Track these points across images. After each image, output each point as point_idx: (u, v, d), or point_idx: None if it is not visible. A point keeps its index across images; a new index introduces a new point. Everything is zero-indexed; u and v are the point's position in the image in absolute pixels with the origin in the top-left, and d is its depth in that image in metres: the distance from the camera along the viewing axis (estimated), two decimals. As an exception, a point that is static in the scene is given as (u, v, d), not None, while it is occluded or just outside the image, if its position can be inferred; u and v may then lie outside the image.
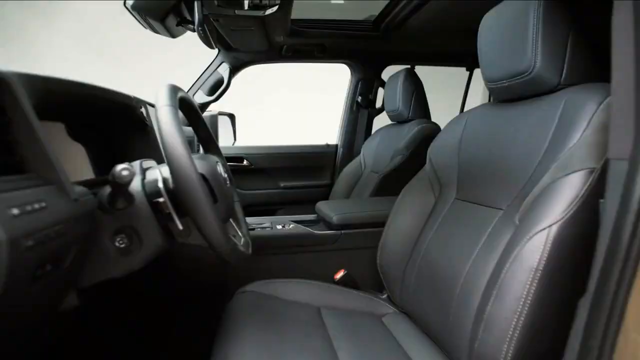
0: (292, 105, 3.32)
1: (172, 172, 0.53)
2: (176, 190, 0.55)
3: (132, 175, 0.51)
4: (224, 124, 1.88)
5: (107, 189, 0.56)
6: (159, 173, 0.60)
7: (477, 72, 2.09)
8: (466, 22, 1.48)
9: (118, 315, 1.05)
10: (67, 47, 2.86)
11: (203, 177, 0.62)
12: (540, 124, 0.69)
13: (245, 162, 1.99)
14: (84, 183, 0.63)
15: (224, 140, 1.88)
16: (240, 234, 0.76)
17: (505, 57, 0.74)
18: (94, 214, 0.55)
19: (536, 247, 0.55)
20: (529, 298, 0.55)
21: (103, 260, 0.58)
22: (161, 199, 0.58)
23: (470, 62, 2.00)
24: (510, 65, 0.73)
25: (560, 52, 0.67)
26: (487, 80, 0.81)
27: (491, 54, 0.78)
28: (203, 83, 1.80)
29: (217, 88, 1.78)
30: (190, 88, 1.81)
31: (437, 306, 0.79)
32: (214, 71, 1.79)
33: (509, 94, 0.78)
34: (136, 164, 0.64)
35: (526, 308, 0.55)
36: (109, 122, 0.87)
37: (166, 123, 0.54)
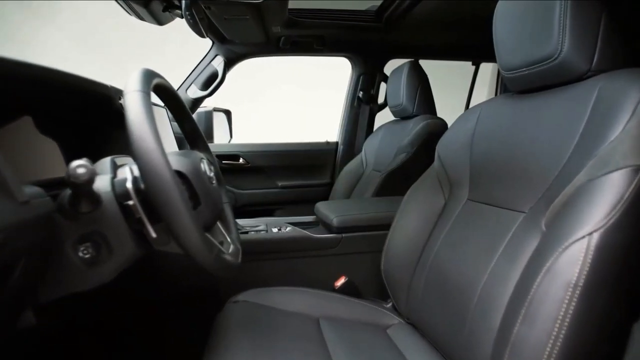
0: (291, 101, 3.26)
1: (140, 169, 0.45)
2: (147, 191, 0.47)
3: (90, 173, 0.43)
4: (219, 121, 1.81)
5: (69, 190, 0.48)
6: (128, 171, 0.52)
7: (481, 68, 2.03)
8: (475, 11, 1.41)
9: (98, 326, 0.97)
10: (67, 47, 2.82)
11: (182, 175, 0.55)
12: (568, 115, 0.61)
13: (241, 161, 1.93)
14: (49, 182, 0.55)
15: (220, 137, 1.81)
16: (229, 240, 0.68)
17: (525, 42, 0.67)
18: (51, 219, 0.47)
19: (574, 259, 0.48)
20: (567, 319, 0.47)
21: (65, 273, 0.50)
22: (131, 202, 0.50)
23: (476, 55, 1.96)
24: (531, 50, 0.66)
25: (591, 35, 0.60)
26: (504, 69, 0.74)
27: (509, 39, 0.71)
28: (196, 77, 1.73)
29: (211, 82, 1.70)
30: (183, 82, 1.74)
31: (449, 318, 0.73)
32: (207, 64, 1.72)
33: (529, 83, 0.71)
34: (106, 160, 0.55)
35: (564, 330, 0.47)
36: (85, 114, 0.78)
37: (134, 111, 0.46)
